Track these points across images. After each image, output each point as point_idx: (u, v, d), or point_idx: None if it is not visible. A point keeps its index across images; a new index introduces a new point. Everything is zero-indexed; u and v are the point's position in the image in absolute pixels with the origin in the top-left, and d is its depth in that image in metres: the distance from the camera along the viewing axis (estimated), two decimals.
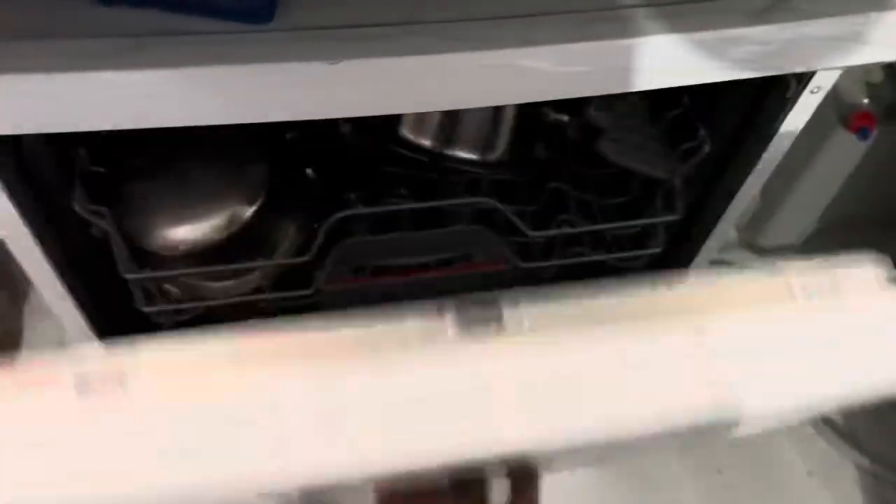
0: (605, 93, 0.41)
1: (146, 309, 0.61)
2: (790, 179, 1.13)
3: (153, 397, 0.31)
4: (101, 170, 0.57)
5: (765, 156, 0.58)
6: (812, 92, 0.53)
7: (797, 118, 0.55)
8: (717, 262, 1.22)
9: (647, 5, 0.41)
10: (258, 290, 0.63)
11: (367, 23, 0.40)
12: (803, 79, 0.51)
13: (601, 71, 0.40)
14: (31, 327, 1.12)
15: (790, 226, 1.22)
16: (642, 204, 0.68)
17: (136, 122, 0.39)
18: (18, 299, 1.09)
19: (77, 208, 0.54)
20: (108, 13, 0.38)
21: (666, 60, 0.41)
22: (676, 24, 0.40)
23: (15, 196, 0.49)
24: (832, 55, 0.45)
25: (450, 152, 0.63)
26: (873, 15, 0.43)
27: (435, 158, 0.63)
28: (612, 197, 0.70)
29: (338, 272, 0.61)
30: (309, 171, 0.66)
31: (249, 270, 0.61)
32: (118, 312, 0.64)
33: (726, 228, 0.67)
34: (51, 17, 0.38)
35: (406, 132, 0.63)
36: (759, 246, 1.26)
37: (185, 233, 0.57)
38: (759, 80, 0.52)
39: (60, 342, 1.12)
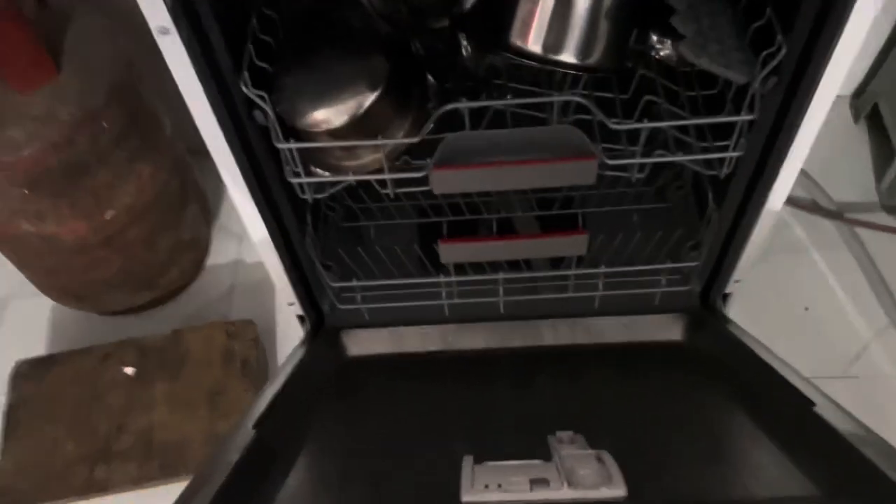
0: None
1: (292, 180, 0.76)
2: None
3: None
4: (264, 65, 0.72)
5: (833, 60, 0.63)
6: None
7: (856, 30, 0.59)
8: (860, 224, 1.21)
9: None
10: (380, 171, 0.75)
11: None
12: None
13: None
14: (217, 241, 1.33)
15: None
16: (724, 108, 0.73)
17: None
18: (208, 214, 1.30)
19: (245, 90, 0.68)
20: None
21: None
22: None
23: (201, 76, 0.64)
24: None
25: (552, 56, 0.72)
26: None
27: (539, 62, 0.72)
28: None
29: (445, 161, 0.72)
30: (429, 77, 0.78)
31: (375, 150, 0.74)
32: (273, 187, 0.79)
33: (807, 139, 0.71)
34: None
35: (514, 40, 0.73)
36: None
37: (323, 114, 0.70)
38: None
39: (238, 255, 1.33)
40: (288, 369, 0.85)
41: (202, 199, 1.26)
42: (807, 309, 1.18)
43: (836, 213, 1.26)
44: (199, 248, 1.28)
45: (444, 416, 0.90)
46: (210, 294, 1.28)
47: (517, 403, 0.91)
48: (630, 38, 0.75)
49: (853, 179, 1.30)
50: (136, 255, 1.13)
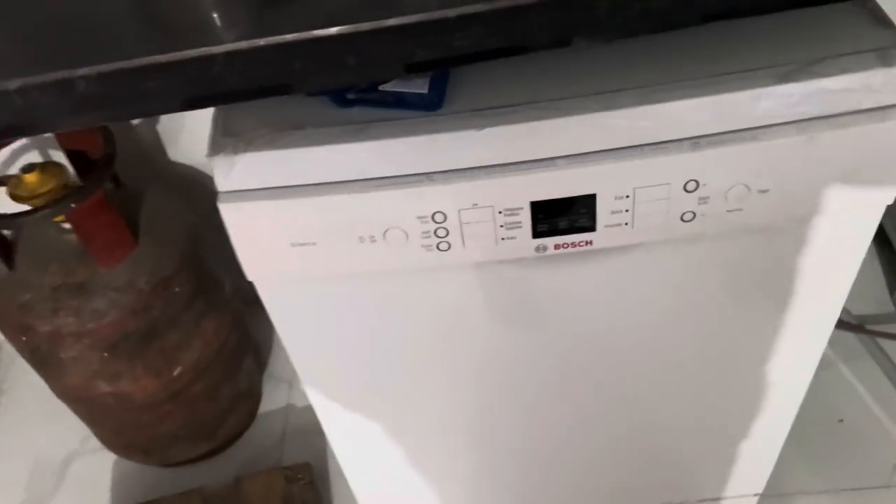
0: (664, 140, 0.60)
1: None
2: None
3: None
4: None
5: None
6: None
7: None
8: (882, 335, 1.27)
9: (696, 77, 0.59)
10: None
11: (504, 104, 0.61)
12: None
13: (662, 125, 0.59)
14: (268, 389, 1.40)
15: None
16: None
17: (361, 176, 0.62)
18: (261, 364, 1.38)
19: None
20: (342, 111, 0.62)
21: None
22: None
23: None
24: None
25: None
26: None
27: None
28: None
29: None
30: None
31: None
32: None
33: None
34: (309, 116, 0.63)
35: None
36: None
37: None
38: None
39: (288, 401, 1.39)
40: None
41: (256, 350, 1.34)
42: (841, 421, 1.23)
43: (858, 326, 1.32)
44: (254, 396, 1.35)
45: None
46: (264, 441, 1.34)
47: None
48: None
49: (868, 293, 1.37)
50: (199, 408, 1.20)
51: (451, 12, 0.48)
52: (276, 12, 0.51)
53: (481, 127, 0.60)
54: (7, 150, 1.15)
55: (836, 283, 0.74)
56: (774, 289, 0.74)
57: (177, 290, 1.06)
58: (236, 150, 0.61)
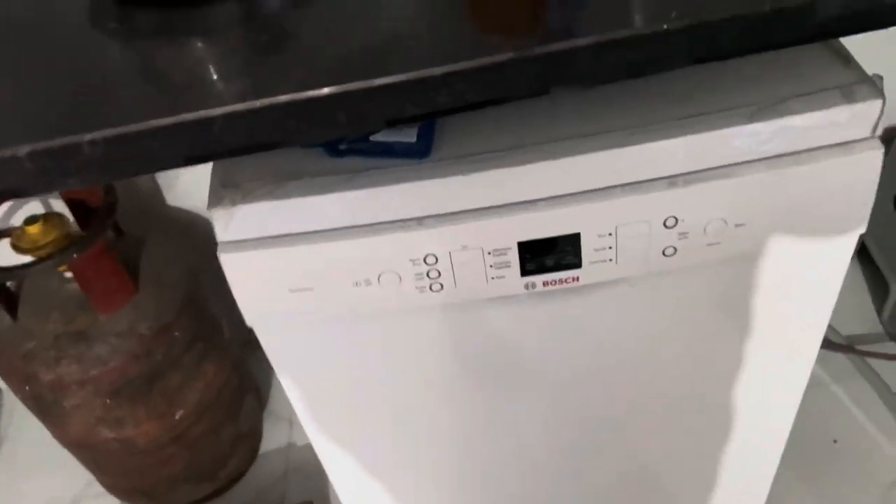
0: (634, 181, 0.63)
1: None
2: None
3: None
4: None
5: None
6: None
7: None
8: (871, 355, 1.29)
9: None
10: None
11: (489, 150, 0.64)
12: None
13: (640, 165, 0.62)
14: (268, 427, 1.42)
15: None
16: None
17: (355, 222, 0.65)
18: (261, 403, 1.40)
19: None
20: (334, 161, 0.65)
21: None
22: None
23: None
24: None
25: None
26: None
27: None
28: None
29: None
30: None
31: None
32: None
33: None
34: (303, 166, 0.65)
35: None
36: None
37: None
38: None
39: (289, 439, 1.40)
40: None
41: (257, 389, 1.36)
42: (835, 441, 1.24)
43: (848, 347, 1.34)
44: (255, 436, 1.36)
45: None
46: (266, 480, 1.35)
47: None
48: None
49: (855, 313, 1.40)
50: (201, 450, 1.21)
51: (437, 71, 0.51)
52: (268, 69, 0.54)
53: (468, 172, 0.63)
54: (8, 202, 1.17)
55: (818, 309, 0.77)
56: (758, 317, 0.77)
57: (177, 334, 1.08)
58: (234, 202, 0.63)
